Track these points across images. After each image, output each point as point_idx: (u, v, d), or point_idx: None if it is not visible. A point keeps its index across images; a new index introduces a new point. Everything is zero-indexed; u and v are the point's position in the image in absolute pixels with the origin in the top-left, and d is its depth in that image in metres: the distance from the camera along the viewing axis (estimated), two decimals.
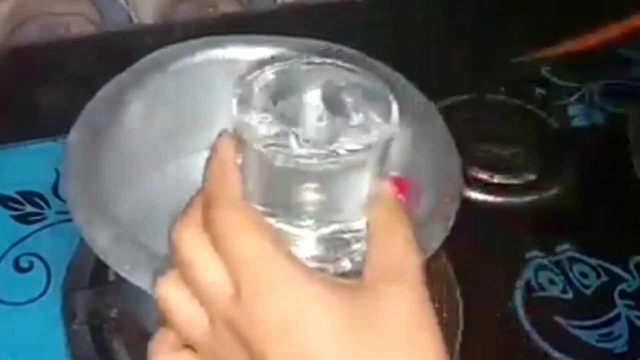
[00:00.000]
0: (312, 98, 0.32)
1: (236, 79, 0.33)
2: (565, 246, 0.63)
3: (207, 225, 0.31)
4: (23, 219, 0.63)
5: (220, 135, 0.33)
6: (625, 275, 0.62)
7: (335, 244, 0.32)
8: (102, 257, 0.44)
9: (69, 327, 0.54)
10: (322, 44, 0.56)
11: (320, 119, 0.32)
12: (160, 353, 0.34)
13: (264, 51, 0.56)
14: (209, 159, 0.33)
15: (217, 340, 0.31)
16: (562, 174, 0.68)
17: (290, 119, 0.31)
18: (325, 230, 0.32)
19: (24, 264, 0.60)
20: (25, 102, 0.72)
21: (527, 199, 0.66)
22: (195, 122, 0.58)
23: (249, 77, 0.33)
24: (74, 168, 0.47)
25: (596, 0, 0.84)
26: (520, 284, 0.60)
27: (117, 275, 0.46)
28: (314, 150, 0.30)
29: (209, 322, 0.31)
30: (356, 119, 0.32)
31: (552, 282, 0.61)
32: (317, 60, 0.34)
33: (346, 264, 0.33)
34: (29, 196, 0.64)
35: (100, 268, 0.56)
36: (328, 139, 0.31)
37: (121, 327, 0.54)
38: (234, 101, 0.32)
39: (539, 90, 0.77)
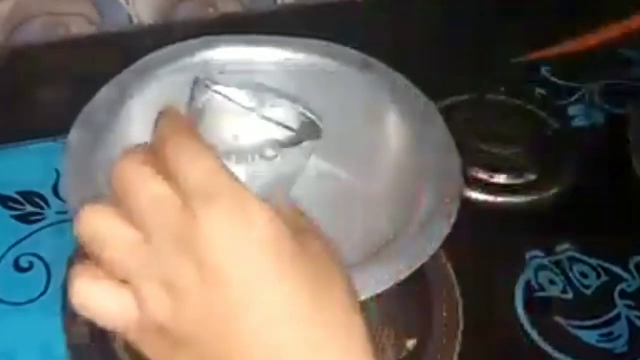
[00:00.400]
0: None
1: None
2: (565, 246, 0.63)
3: (160, 143, 0.33)
4: (23, 218, 0.63)
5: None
6: (626, 275, 0.62)
7: None
8: None
9: (69, 327, 0.54)
10: (322, 44, 0.56)
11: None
12: (80, 274, 0.34)
13: (264, 51, 0.56)
14: (159, 117, 0.35)
15: (153, 255, 0.32)
16: (562, 174, 0.68)
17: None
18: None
19: (24, 263, 0.60)
20: (26, 102, 0.72)
21: (527, 199, 0.66)
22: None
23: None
24: (73, 168, 0.48)
25: (596, 0, 0.84)
26: (520, 284, 0.60)
27: None
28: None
29: (144, 241, 0.32)
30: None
31: (552, 282, 0.61)
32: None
33: None
34: (29, 196, 0.64)
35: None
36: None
37: None
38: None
39: (539, 90, 0.77)
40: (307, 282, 0.31)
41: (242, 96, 0.38)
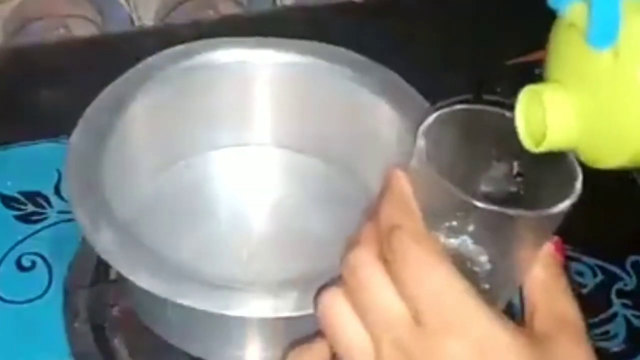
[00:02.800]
0: (501, 156, 0.34)
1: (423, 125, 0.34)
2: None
3: (390, 255, 0.31)
4: (25, 218, 0.63)
5: (393, 170, 0.33)
6: (622, 275, 0.62)
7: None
8: (103, 256, 0.44)
9: (70, 326, 0.55)
10: (321, 45, 0.56)
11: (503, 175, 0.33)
12: None
13: (264, 54, 0.56)
14: (383, 192, 0.33)
15: None
16: None
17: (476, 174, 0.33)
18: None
19: (26, 263, 0.60)
20: (27, 103, 0.72)
21: None
22: (195, 124, 0.58)
23: (434, 118, 0.34)
24: (76, 168, 0.48)
25: None
26: None
27: (118, 274, 0.46)
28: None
29: (372, 346, 0.31)
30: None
31: None
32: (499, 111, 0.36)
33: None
34: (31, 196, 0.64)
35: (102, 267, 0.57)
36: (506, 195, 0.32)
37: (123, 326, 0.55)
38: (422, 130, 0.33)
39: None
40: None
41: None
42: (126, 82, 0.53)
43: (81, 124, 0.50)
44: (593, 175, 0.70)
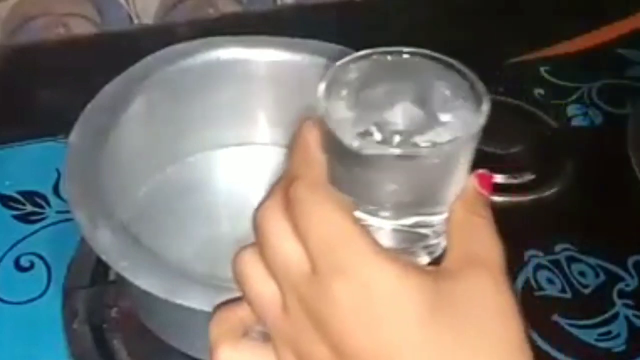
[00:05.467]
0: (402, 91, 0.32)
1: (325, 68, 0.33)
2: (564, 245, 0.63)
3: (288, 204, 0.31)
4: (24, 218, 0.63)
5: (304, 121, 0.33)
6: (624, 275, 0.62)
7: (411, 236, 0.32)
8: (102, 256, 0.44)
9: (69, 326, 0.55)
10: (322, 44, 0.56)
11: (408, 112, 0.31)
12: (222, 342, 0.34)
13: (264, 52, 0.56)
14: (292, 142, 0.33)
15: (288, 317, 0.31)
16: (561, 174, 0.68)
17: (378, 111, 0.31)
18: (402, 222, 0.31)
19: (24, 263, 0.60)
20: (26, 102, 0.72)
21: (526, 198, 0.67)
22: (195, 122, 0.58)
23: (336, 66, 0.32)
24: (75, 168, 0.48)
25: (595, 0, 0.84)
26: (519, 283, 0.60)
27: (117, 274, 0.46)
28: (399, 143, 0.30)
29: (282, 301, 0.31)
30: (444, 115, 0.31)
31: (550, 281, 0.61)
32: (406, 50, 0.34)
33: (424, 258, 0.33)
34: (29, 196, 0.64)
35: (101, 267, 0.56)
36: (415, 132, 0.30)
37: (122, 327, 0.55)
38: (321, 89, 0.31)
39: (538, 90, 0.77)
40: (462, 344, 0.29)
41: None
42: (125, 81, 0.53)
43: (80, 123, 0.50)
44: (596, 176, 0.71)
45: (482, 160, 0.73)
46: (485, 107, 0.31)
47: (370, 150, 0.29)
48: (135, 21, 0.81)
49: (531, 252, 0.63)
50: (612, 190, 0.67)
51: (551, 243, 0.63)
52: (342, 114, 0.31)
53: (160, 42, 0.56)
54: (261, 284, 0.32)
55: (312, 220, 0.30)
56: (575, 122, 0.74)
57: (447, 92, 0.32)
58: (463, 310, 0.29)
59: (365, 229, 0.30)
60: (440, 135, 0.30)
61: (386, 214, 0.31)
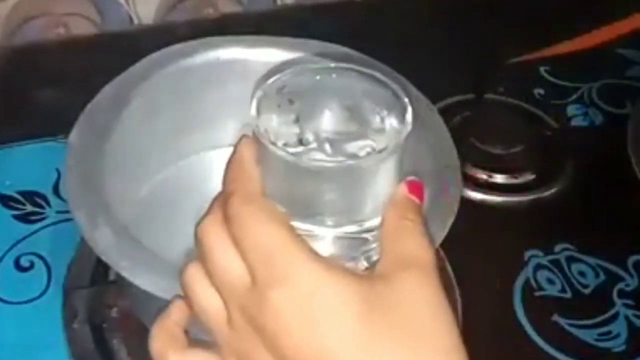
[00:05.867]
0: (331, 102, 0.33)
1: (254, 83, 0.34)
2: (564, 245, 0.63)
3: (227, 220, 0.32)
4: (24, 218, 0.63)
5: (240, 137, 0.34)
6: (624, 275, 0.62)
7: (352, 243, 0.33)
8: (102, 256, 0.44)
9: (69, 326, 0.55)
10: (321, 44, 0.56)
11: (339, 123, 0.32)
12: (168, 354, 0.35)
13: (264, 52, 0.56)
14: (229, 159, 0.34)
15: (233, 329, 0.32)
16: (561, 174, 0.68)
17: (309, 123, 0.32)
18: (343, 230, 0.32)
19: (24, 263, 0.60)
20: (26, 102, 0.72)
21: (526, 198, 0.67)
22: (195, 122, 0.58)
23: (268, 81, 0.33)
24: (75, 168, 0.48)
25: (596, 0, 0.84)
26: (519, 283, 0.61)
27: (117, 274, 0.46)
28: (332, 152, 0.31)
29: (227, 313, 0.32)
30: (374, 123, 0.32)
31: (550, 281, 0.61)
32: (332, 64, 0.34)
33: (363, 263, 0.33)
34: (29, 196, 0.64)
35: (101, 267, 0.56)
36: (347, 142, 0.32)
37: (122, 327, 0.55)
38: (253, 104, 0.32)
39: (538, 90, 0.77)
40: (398, 344, 0.30)
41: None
42: (125, 81, 0.53)
43: (80, 123, 0.50)
44: (595, 176, 0.71)
45: (482, 160, 0.74)
46: (409, 116, 0.32)
47: (305, 162, 0.30)
48: (135, 21, 0.81)
49: (531, 252, 0.63)
50: (612, 190, 0.67)
51: (551, 243, 0.63)
52: (276, 128, 0.32)
53: (160, 42, 0.56)
54: (206, 299, 0.33)
55: (248, 232, 0.31)
56: (576, 122, 0.74)
57: (374, 104, 0.33)
58: (398, 311, 0.30)
59: (300, 238, 0.31)
60: (370, 144, 0.32)
61: (326, 222, 0.32)
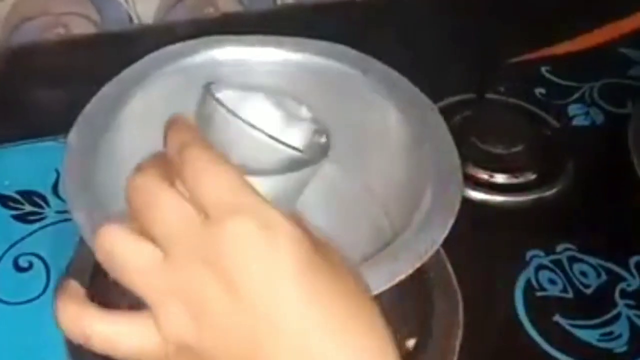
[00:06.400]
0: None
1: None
2: (566, 245, 0.63)
3: (180, 167, 0.32)
4: (23, 218, 0.62)
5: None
6: (626, 275, 0.62)
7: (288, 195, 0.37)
8: None
9: None
10: (322, 44, 0.56)
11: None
12: (81, 318, 0.35)
13: (264, 51, 0.56)
14: (171, 127, 0.35)
15: (174, 271, 0.31)
16: (562, 174, 0.68)
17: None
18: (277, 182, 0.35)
19: (23, 263, 0.60)
20: (25, 101, 0.72)
21: (527, 198, 0.66)
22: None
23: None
24: (74, 168, 0.47)
25: (596, 0, 0.84)
26: (520, 283, 0.60)
27: None
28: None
29: (162, 258, 0.32)
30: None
31: (552, 281, 0.61)
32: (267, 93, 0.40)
33: None
34: (28, 196, 0.64)
35: (100, 268, 0.56)
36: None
37: None
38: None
39: (539, 90, 0.77)
40: (337, 294, 0.31)
41: (250, 108, 0.38)
42: (124, 81, 0.53)
43: (79, 122, 0.50)
44: (597, 176, 0.70)
45: (483, 160, 0.73)
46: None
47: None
48: (135, 21, 0.81)
49: (532, 252, 0.63)
50: (614, 190, 0.67)
51: (552, 243, 0.63)
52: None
53: (160, 42, 0.55)
54: (135, 252, 0.32)
55: (208, 173, 0.32)
56: (577, 122, 0.74)
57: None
58: (337, 266, 0.32)
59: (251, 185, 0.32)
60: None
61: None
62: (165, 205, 0.32)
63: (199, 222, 0.31)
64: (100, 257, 0.33)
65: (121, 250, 0.32)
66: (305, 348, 0.30)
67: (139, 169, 0.33)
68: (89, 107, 0.51)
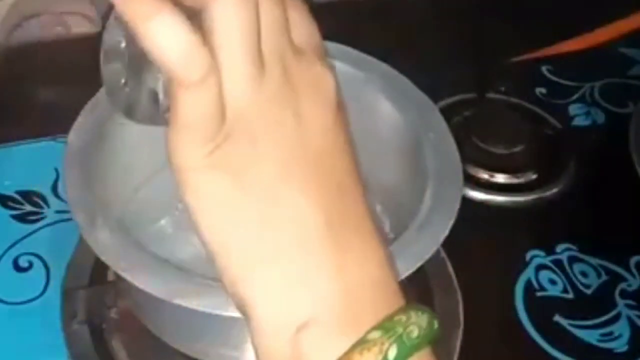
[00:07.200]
0: None
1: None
2: (566, 246, 0.63)
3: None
4: (22, 218, 0.62)
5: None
6: (626, 275, 0.61)
7: None
8: (101, 256, 0.44)
9: (68, 326, 0.54)
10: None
11: None
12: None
13: None
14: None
15: (271, 78, 0.32)
16: (563, 174, 0.68)
17: None
18: None
19: (23, 263, 0.59)
20: (25, 101, 0.72)
21: (528, 198, 0.66)
22: None
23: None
24: (74, 167, 0.47)
25: (596, 0, 0.84)
26: (520, 283, 0.60)
27: (116, 275, 0.46)
28: None
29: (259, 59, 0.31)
30: None
31: (552, 281, 0.61)
32: None
33: None
34: (28, 195, 0.64)
35: (100, 268, 0.56)
36: None
37: (121, 327, 0.54)
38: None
39: (540, 90, 0.77)
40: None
41: None
42: None
43: (78, 122, 0.50)
44: (597, 176, 0.70)
45: (484, 160, 0.73)
46: None
47: None
48: None
49: (533, 252, 0.62)
50: (615, 190, 0.67)
51: (553, 243, 0.63)
52: None
53: None
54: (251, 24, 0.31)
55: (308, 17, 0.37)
56: (577, 122, 0.74)
57: None
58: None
59: None
60: None
61: None
62: (277, 19, 0.33)
63: (294, 51, 0.33)
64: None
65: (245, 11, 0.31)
66: None
67: None
68: (89, 107, 0.51)
